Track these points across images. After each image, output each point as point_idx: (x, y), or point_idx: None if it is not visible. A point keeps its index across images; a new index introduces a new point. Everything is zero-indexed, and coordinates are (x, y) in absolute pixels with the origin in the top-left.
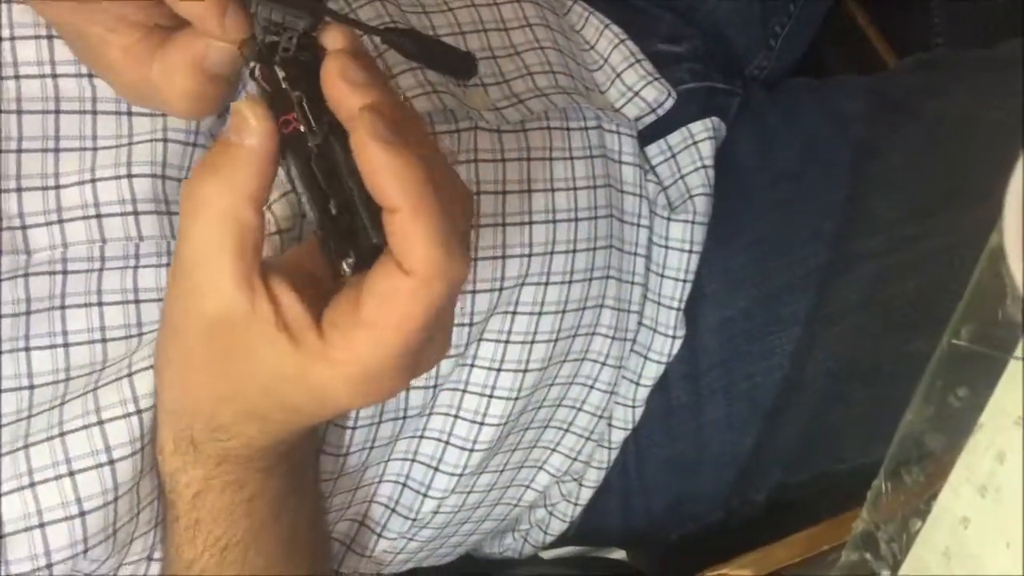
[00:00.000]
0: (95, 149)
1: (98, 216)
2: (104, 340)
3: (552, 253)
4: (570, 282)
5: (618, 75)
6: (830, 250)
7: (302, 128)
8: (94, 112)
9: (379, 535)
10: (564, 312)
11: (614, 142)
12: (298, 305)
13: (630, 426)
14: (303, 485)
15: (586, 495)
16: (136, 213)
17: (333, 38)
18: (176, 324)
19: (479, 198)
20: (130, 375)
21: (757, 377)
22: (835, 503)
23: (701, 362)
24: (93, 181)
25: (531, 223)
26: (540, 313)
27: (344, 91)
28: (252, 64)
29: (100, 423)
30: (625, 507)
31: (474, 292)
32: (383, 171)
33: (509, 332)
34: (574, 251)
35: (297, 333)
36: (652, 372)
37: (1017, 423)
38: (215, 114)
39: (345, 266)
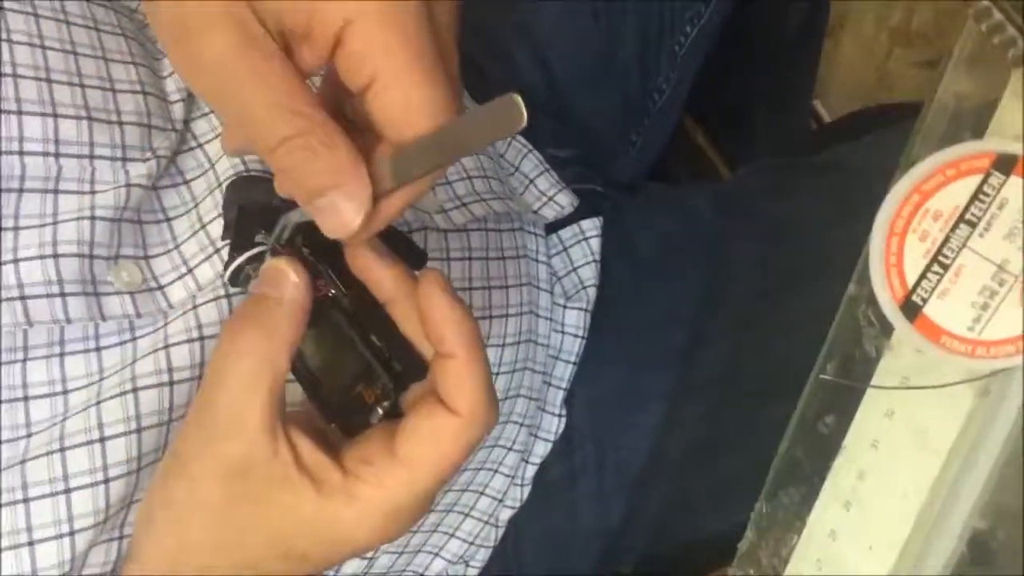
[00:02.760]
0: (16, 229)
1: (22, 298)
2: (29, 435)
3: (486, 347)
4: (497, 374)
5: (531, 181)
6: (687, 331)
7: (332, 292)
8: (20, 190)
9: None
10: None
11: (532, 242)
12: (316, 449)
13: (518, 504)
14: None
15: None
16: (63, 295)
17: None
18: (190, 463)
19: None
20: (67, 490)
21: (624, 451)
22: (695, 569)
23: (573, 439)
24: (15, 261)
25: None
26: None
27: (372, 258)
28: (276, 245)
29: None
30: None
31: None
32: (446, 321)
33: None
34: (503, 345)
35: (318, 474)
36: (541, 450)
37: (874, 445)
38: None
39: (380, 410)
